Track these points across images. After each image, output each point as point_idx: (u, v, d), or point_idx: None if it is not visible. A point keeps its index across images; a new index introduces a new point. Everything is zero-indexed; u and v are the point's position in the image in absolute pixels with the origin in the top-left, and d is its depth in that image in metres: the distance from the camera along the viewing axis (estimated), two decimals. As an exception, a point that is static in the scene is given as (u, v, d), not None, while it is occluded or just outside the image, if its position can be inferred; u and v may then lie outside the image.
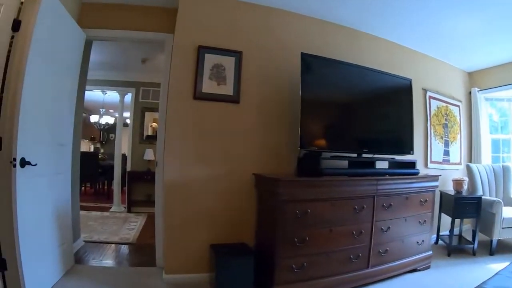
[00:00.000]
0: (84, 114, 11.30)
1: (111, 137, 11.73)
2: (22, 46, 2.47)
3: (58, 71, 3.00)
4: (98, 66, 6.16)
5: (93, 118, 9.33)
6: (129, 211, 6.33)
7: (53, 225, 2.98)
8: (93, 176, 7.59)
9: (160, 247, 3.40)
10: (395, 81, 3.78)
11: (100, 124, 9.35)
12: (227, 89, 3.26)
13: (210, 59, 3.22)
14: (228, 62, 3.28)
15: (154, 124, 6.79)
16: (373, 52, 4.09)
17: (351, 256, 2.99)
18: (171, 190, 3.10)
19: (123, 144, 6.97)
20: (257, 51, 3.43)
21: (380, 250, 3.18)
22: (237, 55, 3.31)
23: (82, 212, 5.96)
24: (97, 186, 7.95)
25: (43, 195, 2.79)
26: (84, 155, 7.72)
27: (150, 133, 6.81)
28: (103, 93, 8.57)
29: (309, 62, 3.15)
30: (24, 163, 2.40)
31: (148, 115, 6.82)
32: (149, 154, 6.45)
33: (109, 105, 9.08)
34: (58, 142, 3.10)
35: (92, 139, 12.86)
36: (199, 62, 3.18)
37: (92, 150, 12.27)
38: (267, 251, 2.88)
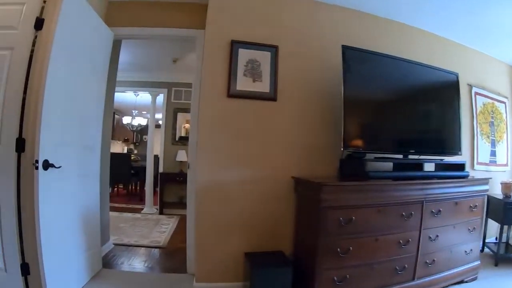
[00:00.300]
0: (116, 116, 11.57)
1: (145, 139, 11.82)
2: (45, 45, 2.39)
3: (84, 71, 2.90)
4: (129, 67, 6.16)
5: (126, 120, 9.39)
6: (161, 213, 6.25)
7: (80, 229, 2.88)
8: (125, 177, 7.60)
9: (191, 252, 3.22)
10: (441, 76, 3.44)
11: (132, 126, 9.41)
12: (263, 86, 3.05)
13: (244, 55, 3.02)
14: (264, 57, 3.07)
15: (187, 125, 6.69)
16: (412, 45, 3.73)
17: (397, 267, 2.72)
18: (203, 194, 2.92)
19: (156, 146, 6.92)
20: (294, 45, 3.19)
21: (427, 261, 2.89)
22: (273, 49, 3.10)
23: (113, 214, 5.99)
24: (130, 188, 7.95)
25: (68, 198, 2.69)
26: (116, 156, 7.76)
27: (183, 134, 6.73)
28: (135, 94, 8.62)
29: (350, 55, 2.89)
30: (47, 165, 2.30)
31: (180, 116, 6.72)
32: (181, 156, 6.36)
33: (142, 106, 9.12)
34: (85, 144, 3.00)
35: (125, 141, 13.04)
36: (232, 57, 2.99)
37: (125, 151, 12.43)
38: (306, 261, 2.65)
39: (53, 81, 2.34)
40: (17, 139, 2.35)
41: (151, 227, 5.12)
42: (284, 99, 3.11)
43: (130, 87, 6.78)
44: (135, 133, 13.71)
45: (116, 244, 4.12)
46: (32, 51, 2.44)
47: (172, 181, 6.36)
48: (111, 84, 3.83)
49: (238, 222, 2.97)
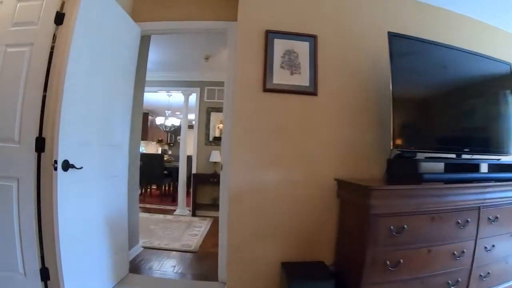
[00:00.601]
0: (150, 117, 11.66)
1: (178, 139, 11.81)
2: (65, 40, 2.24)
3: (109, 68, 2.76)
4: (161, 66, 6.08)
5: (159, 120, 9.37)
6: (193, 214, 6.12)
7: (105, 232, 2.73)
8: (158, 178, 7.54)
9: (223, 259, 3.00)
10: (496, 67, 3.03)
11: (166, 126, 9.38)
12: (302, 79, 2.77)
13: (280, 45, 2.77)
14: (301, 48, 2.80)
15: (221, 126, 6.50)
16: (459, 33, 3.27)
17: (449, 281, 2.38)
18: (236, 198, 2.69)
19: (189, 146, 6.81)
20: (333, 34, 2.89)
21: (481, 274, 2.54)
22: (312, 39, 2.81)
23: (144, 215, 5.92)
24: (163, 188, 7.89)
25: (92, 201, 2.54)
26: (149, 157, 7.76)
27: (217, 134, 6.55)
28: (168, 95, 8.58)
29: (398, 43, 2.55)
30: (67, 166, 2.14)
31: (214, 116, 6.55)
32: (215, 156, 6.19)
33: (175, 107, 9.07)
34: (110, 143, 2.85)
35: (159, 141, 13.13)
36: (267, 49, 2.74)
37: (159, 152, 12.51)
38: (350, 274, 2.37)
39: (73, 78, 2.21)
40: (36, 138, 2.21)
41: (182, 229, 4.97)
42: (325, 93, 2.82)
43: (163, 87, 6.70)
44: (169, 134, 13.81)
45: (145, 247, 3.98)
46: (52, 47, 2.32)
47: (205, 182, 6.20)
48: (140, 83, 3.72)
49: (274, 229, 2.72)
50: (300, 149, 2.76)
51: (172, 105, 9.21)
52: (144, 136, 11.61)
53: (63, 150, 2.12)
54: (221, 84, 6.37)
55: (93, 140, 2.56)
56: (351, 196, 2.49)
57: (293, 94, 2.76)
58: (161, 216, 5.91)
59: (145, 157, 7.62)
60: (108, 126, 2.81)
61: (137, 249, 3.79)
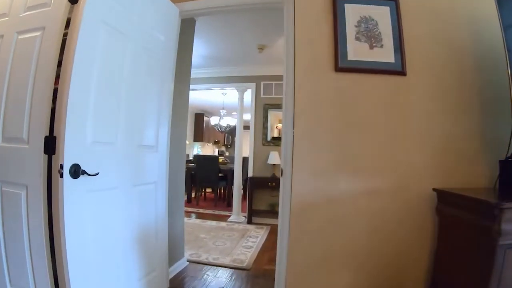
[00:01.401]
0: (206, 118, 11.39)
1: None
2: (76, 17, 1.78)
3: (137, 55, 2.27)
4: (212, 62, 5.68)
5: (214, 120, 8.98)
6: (249, 221, 5.58)
7: (133, 251, 2.25)
8: (212, 180, 7.12)
9: (282, 282, 2.35)
10: None
11: (221, 126, 8.98)
12: (385, 54, 2.11)
13: (353, 11, 2.15)
14: (380, 14, 2.14)
15: (280, 126, 5.93)
16: None
17: None
18: (300, 213, 2.12)
19: (246, 147, 6.32)
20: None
21: None
22: (392, 3, 2.14)
23: (196, 222, 5.49)
24: (218, 192, 7.46)
25: (114, 214, 2.06)
26: (203, 159, 7.37)
27: (275, 134, 5.98)
28: (222, 93, 8.17)
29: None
30: (77, 171, 1.66)
31: (272, 115, 5.96)
32: (273, 158, 5.60)
33: (230, 106, 8.64)
34: (142, 144, 2.38)
35: (216, 143, 12.85)
36: (337, 16, 2.14)
37: (216, 153, 12.22)
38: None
39: (85, 62, 1.76)
40: (46, 137, 1.76)
41: (236, 239, 4.44)
42: (417, 73, 2.11)
43: (215, 84, 6.25)
44: (225, 135, 13.51)
45: (191, 262, 3.49)
46: (66, 34, 1.87)
47: (263, 187, 5.63)
48: (183, 76, 3.28)
49: (348, 254, 2.08)
50: (381, 148, 2.10)
51: (227, 104, 8.80)
52: (200, 137, 11.38)
53: (72, 152, 1.66)
54: (278, 78, 5.79)
55: (116, 139, 2.08)
56: (461, 214, 1.74)
57: (374, 74, 2.10)
58: (213, 223, 5.44)
59: (199, 159, 7.26)
60: (138, 123, 2.33)
61: (181, 264, 3.30)
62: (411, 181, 2.05)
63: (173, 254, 3.10)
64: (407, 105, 2.08)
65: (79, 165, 1.69)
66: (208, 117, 11.32)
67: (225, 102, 8.77)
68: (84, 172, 1.71)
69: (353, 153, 2.08)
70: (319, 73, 2.12)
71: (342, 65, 2.07)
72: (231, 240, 4.41)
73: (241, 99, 6.10)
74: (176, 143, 3.13)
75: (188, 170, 7.49)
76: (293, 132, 2.19)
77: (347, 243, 2.06)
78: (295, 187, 2.13)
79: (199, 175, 7.21)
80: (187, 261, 3.47)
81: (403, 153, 2.07)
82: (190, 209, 6.63)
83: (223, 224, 5.40)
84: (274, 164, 5.61)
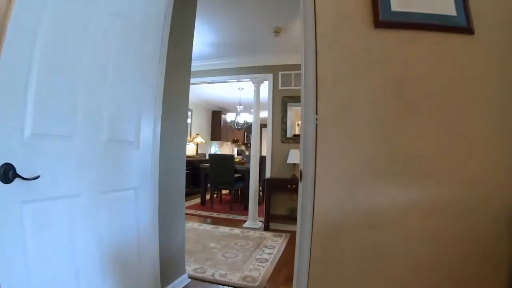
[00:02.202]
0: (223, 116, 10.85)
1: (259, 144, 10.87)
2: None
3: (105, 26, 1.74)
4: (222, 51, 5.19)
5: (230, 117, 8.37)
6: (266, 228, 4.98)
7: (103, 276, 1.70)
8: (228, 182, 6.56)
9: None
10: None
11: (237, 124, 8.39)
12: (441, 4, 1.46)
13: None
14: None
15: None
16: None
17: None
18: (325, 239, 1.52)
19: (265, 146, 5.73)
20: None
21: None
22: None
23: (207, 228, 4.93)
24: (233, 194, 6.88)
25: (73, 230, 1.52)
26: (218, 158, 6.81)
27: (297, 132, 5.36)
28: (238, 88, 7.61)
29: None
30: (7, 174, 1.13)
31: (293, 111, 5.32)
32: (294, 156, 4.96)
33: (248, 102, 8.03)
34: (119, 139, 1.87)
35: (234, 141, 12.30)
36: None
37: (235, 153, 11.68)
38: None
39: (24, 34, 1.26)
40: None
41: (249, 250, 3.85)
42: (488, 31, 1.45)
43: (227, 75, 5.67)
44: (245, 134, 12.95)
45: (193, 279, 2.93)
46: None
47: (282, 189, 5.02)
48: (182, 62, 2.73)
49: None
50: (439, 143, 1.43)
51: (244, 100, 8.23)
52: (217, 136, 10.87)
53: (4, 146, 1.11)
54: (297, 67, 5.16)
55: (73, 132, 1.55)
56: None
57: (427, 31, 1.45)
58: (226, 229, 4.87)
59: (213, 159, 6.72)
60: (108, 112, 1.78)
61: (181, 282, 2.75)
62: (488, 193, 1.39)
63: (171, 271, 2.57)
64: (475, 79, 1.42)
65: (12, 165, 1.15)
66: (225, 114, 10.78)
67: (242, 98, 8.20)
68: (17, 176, 1.16)
69: (405, 151, 1.44)
70: (351, 30, 1.50)
71: (384, 18, 1.44)
72: (244, 251, 3.82)
73: (257, 92, 5.51)
74: (173, 141, 2.60)
75: (203, 170, 6.98)
76: (316, 119, 1.57)
77: (393, 277, 1.44)
78: (319, 199, 1.52)
79: (214, 175, 6.66)
80: (189, 277, 2.91)
81: (469, 150, 1.41)
82: (203, 213, 6.09)
83: (236, 231, 4.81)
84: (294, 164, 5.00)
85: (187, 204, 7.03)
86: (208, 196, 7.13)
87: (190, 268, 3.16)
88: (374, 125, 1.47)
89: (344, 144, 1.50)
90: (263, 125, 7.16)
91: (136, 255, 1.98)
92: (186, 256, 3.45)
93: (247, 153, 12.67)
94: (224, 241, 4.19)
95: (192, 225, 5.02)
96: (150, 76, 2.14)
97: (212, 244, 4.02)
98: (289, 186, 4.83)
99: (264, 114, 6.35)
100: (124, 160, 1.90)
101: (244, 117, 8.05)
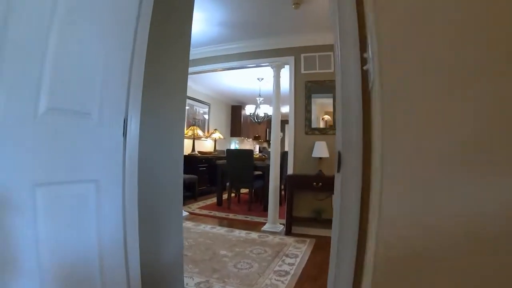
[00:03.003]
0: (243, 111, 10.24)
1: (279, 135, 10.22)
2: None
3: None
4: (236, 32, 4.63)
5: (249, 109, 7.71)
6: (288, 232, 4.33)
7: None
8: (246, 180, 5.94)
9: None
10: None
11: (257, 117, 7.74)
12: None
13: None
14: None
15: (327, 117, 4.63)
16: None
17: None
18: (395, 277, 0.85)
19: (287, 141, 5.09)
20: None
21: None
22: None
23: (220, 231, 4.32)
24: (252, 193, 6.24)
25: None
26: (234, 154, 6.22)
27: (321, 125, 4.69)
28: (258, 79, 7.01)
29: None
30: None
31: (317, 104, 4.64)
32: (320, 149, 4.26)
33: (269, 95, 7.41)
34: (52, 110, 1.23)
35: (256, 138, 11.68)
36: None
37: (257, 150, 11.06)
38: None
39: None
40: None
41: (267, 260, 3.22)
42: None
43: (245, 60, 5.04)
44: (267, 130, 12.33)
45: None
46: None
47: (306, 187, 4.34)
48: (176, 29, 2.13)
49: None
50: None
51: (264, 92, 7.59)
52: (237, 132, 10.31)
53: None
54: (322, 48, 4.52)
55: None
56: None
57: None
58: (242, 233, 4.25)
59: (230, 154, 6.13)
60: (54, 69, 1.19)
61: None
62: None
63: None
64: None
65: None
66: (245, 109, 10.19)
67: (262, 90, 7.57)
68: None
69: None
70: None
71: None
72: (261, 260, 3.20)
73: (277, 77, 4.85)
74: (165, 122, 2.00)
75: (219, 167, 6.41)
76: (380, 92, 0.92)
77: None
78: (386, 206, 0.87)
79: (231, 173, 6.07)
80: (188, 296, 2.32)
81: None
82: (218, 214, 5.49)
83: (254, 235, 4.18)
84: (320, 158, 4.32)
85: (202, 204, 6.47)
86: (226, 196, 6.55)
87: (193, 281, 2.58)
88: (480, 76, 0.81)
89: (430, 109, 0.85)
90: (284, 121, 6.54)
91: (97, 272, 1.39)
92: (190, 266, 2.87)
93: (269, 150, 12.05)
94: (238, 248, 3.57)
95: (204, 228, 4.43)
96: (127, 25, 1.55)
97: (223, 252, 3.41)
98: (314, 183, 4.16)
99: (285, 109, 5.70)
100: (77, 139, 1.32)
101: (265, 109, 7.38)
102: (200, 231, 4.28)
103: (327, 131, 4.39)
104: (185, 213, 5.45)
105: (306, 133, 4.51)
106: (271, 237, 4.12)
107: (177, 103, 2.19)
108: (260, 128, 11.92)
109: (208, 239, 3.90)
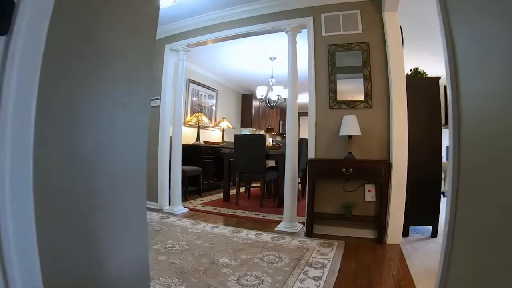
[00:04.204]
0: (255, 103, 9.28)
1: (297, 114, 9.27)
2: None
3: None
4: None
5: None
6: (309, 233, 3.41)
7: None
8: (256, 171, 5.06)
9: None
10: None
11: (270, 100, 6.78)
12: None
13: None
14: None
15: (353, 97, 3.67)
16: None
17: None
18: None
19: (304, 130, 4.17)
20: None
21: None
22: None
23: (224, 231, 3.36)
24: (265, 187, 5.34)
25: None
26: (243, 140, 5.30)
27: (348, 97, 3.74)
28: (270, 59, 6.13)
29: None
30: None
31: (341, 84, 3.72)
32: (350, 125, 3.30)
33: (283, 78, 6.49)
34: None
35: (268, 130, 10.77)
36: None
37: (270, 143, 10.16)
38: None
39: None
40: None
41: (283, 271, 2.34)
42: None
43: (254, 24, 4.14)
44: (280, 122, 11.42)
45: None
46: None
47: (331, 176, 3.42)
48: None
49: None
50: None
51: (277, 75, 6.69)
52: (248, 123, 9.44)
53: None
54: (346, 6, 3.61)
55: None
56: None
57: None
58: (251, 234, 3.36)
59: (239, 141, 5.26)
60: None
61: None
62: None
63: None
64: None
65: None
66: (255, 98, 9.28)
67: (275, 73, 6.67)
68: None
69: None
70: None
71: None
72: (275, 271, 2.31)
73: (293, 42, 3.93)
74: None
75: (226, 157, 5.55)
76: None
77: None
78: None
79: (239, 163, 5.19)
80: None
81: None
82: (223, 211, 4.62)
83: (265, 236, 3.29)
84: (350, 137, 3.40)
85: (206, 199, 5.60)
86: (235, 191, 5.68)
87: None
88: None
89: None
90: (301, 114, 5.60)
91: None
92: (174, 281, 2.04)
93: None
94: (245, 254, 2.69)
95: (204, 228, 3.57)
96: None
97: (224, 259, 2.53)
98: (343, 170, 3.24)
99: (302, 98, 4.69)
100: None
101: (278, 91, 6.40)
102: (199, 231, 3.42)
103: (357, 104, 3.47)
104: (184, 210, 4.60)
105: (331, 107, 3.59)
106: (287, 239, 3.23)
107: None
108: (273, 119, 11.02)
109: (207, 241, 3.04)
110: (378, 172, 3.14)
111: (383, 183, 3.13)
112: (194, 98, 7.35)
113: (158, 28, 5.21)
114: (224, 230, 3.49)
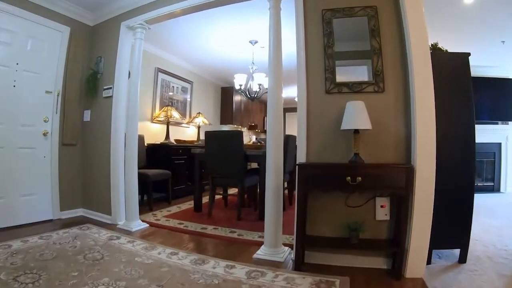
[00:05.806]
0: (234, 94, 8.30)
1: (281, 100, 8.33)
2: None
3: None
4: None
5: (238, 80, 5.61)
6: (299, 264, 2.47)
7: None
8: (232, 175, 4.13)
9: None
10: None
11: (250, 91, 5.79)
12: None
13: None
14: None
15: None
16: None
17: None
18: None
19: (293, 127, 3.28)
20: None
21: None
22: None
23: (185, 261, 2.32)
24: (243, 195, 4.41)
25: None
26: (215, 137, 4.26)
27: (351, 78, 2.75)
28: (251, 42, 5.22)
29: None
30: None
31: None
32: (355, 116, 2.36)
33: (262, 65, 5.46)
34: None
35: (252, 127, 9.84)
36: None
37: (252, 142, 9.26)
38: None
39: None
40: None
41: None
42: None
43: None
44: (264, 118, 10.54)
45: None
46: None
47: (330, 185, 2.42)
48: None
49: None
50: None
51: (258, 62, 5.78)
52: (228, 119, 8.52)
53: None
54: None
55: None
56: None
57: None
58: (220, 267, 2.40)
59: (209, 138, 4.32)
60: None
61: None
62: None
63: None
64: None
65: None
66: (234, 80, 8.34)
67: (256, 60, 5.75)
68: None
69: None
70: None
71: None
72: None
73: (275, 9, 2.95)
74: None
75: (198, 158, 4.61)
76: None
77: None
78: None
79: (210, 165, 4.26)
80: None
81: None
82: (190, 227, 3.67)
83: (239, 271, 2.34)
84: (357, 132, 2.46)
85: (175, 209, 4.65)
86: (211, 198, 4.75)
87: None
88: None
89: None
90: (286, 110, 4.67)
91: None
92: None
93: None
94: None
95: (159, 255, 2.63)
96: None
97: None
98: (348, 179, 2.33)
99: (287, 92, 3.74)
100: None
101: (260, 79, 5.42)
102: (151, 261, 2.49)
103: (364, 87, 2.57)
104: (142, 226, 3.64)
105: (329, 92, 2.67)
106: (269, 275, 2.29)
107: None
108: (257, 115, 10.11)
109: (155, 281, 2.11)
110: (396, 181, 2.23)
111: (402, 195, 2.23)
112: (170, 93, 6.41)
113: (113, 4, 4.27)
114: (185, 259, 2.55)
